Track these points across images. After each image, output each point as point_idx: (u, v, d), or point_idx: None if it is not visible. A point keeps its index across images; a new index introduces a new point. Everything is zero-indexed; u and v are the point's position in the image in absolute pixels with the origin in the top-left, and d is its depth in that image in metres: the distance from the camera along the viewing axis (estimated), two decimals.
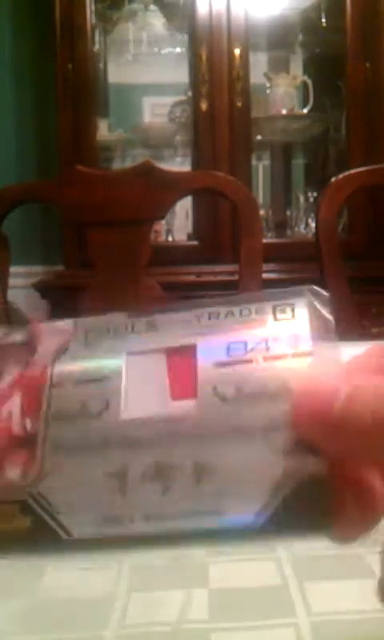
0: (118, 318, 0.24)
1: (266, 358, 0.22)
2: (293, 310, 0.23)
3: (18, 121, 2.20)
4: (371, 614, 0.39)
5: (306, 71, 2.29)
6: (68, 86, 1.94)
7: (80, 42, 1.94)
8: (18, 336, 0.25)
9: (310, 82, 2.14)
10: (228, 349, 0.22)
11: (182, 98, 2.21)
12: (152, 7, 2.23)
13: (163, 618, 0.39)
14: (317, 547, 0.48)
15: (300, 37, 2.31)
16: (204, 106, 1.95)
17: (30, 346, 0.24)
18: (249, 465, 0.20)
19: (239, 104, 1.95)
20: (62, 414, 0.22)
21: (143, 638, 0.38)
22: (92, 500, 0.21)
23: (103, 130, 2.12)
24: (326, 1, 2.15)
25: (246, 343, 0.22)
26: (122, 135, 2.20)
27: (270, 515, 0.20)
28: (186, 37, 2.17)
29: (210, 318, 0.24)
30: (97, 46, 2.11)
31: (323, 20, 2.16)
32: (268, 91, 2.12)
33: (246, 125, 1.98)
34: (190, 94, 2.10)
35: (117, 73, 2.30)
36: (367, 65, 1.94)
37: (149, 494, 0.21)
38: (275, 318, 0.23)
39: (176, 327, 0.24)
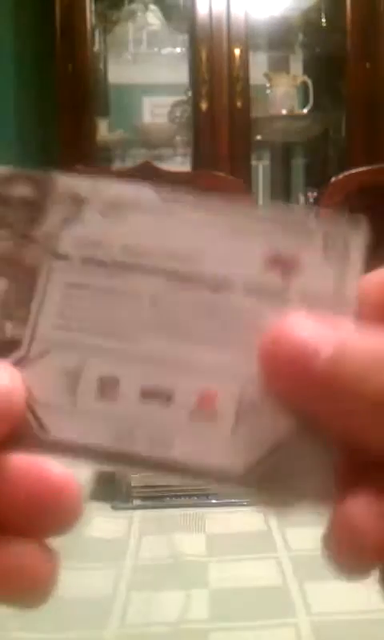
0: (144, 194, 0.20)
1: (302, 297, 0.19)
2: (346, 246, 0.19)
3: (18, 121, 2.20)
4: (371, 614, 0.39)
5: (306, 71, 2.28)
6: (68, 85, 1.94)
7: (80, 42, 1.94)
8: (23, 188, 0.20)
9: (309, 82, 2.14)
10: (263, 269, 0.19)
11: (182, 98, 2.21)
12: (152, 7, 2.23)
13: (163, 618, 0.39)
14: (317, 547, 0.48)
15: (300, 37, 2.30)
16: (204, 106, 1.95)
17: (37, 207, 0.20)
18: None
19: (239, 104, 1.95)
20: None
21: (143, 637, 0.37)
22: (79, 402, 0.19)
23: (103, 130, 2.12)
24: (326, 1, 2.15)
25: (287, 276, 0.19)
26: (122, 135, 2.20)
27: (260, 473, 0.18)
28: (185, 37, 2.17)
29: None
30: (97, 46, 2.11)
31: (323, 20, 2.16)
32: (268, 91, 2.12)
33: (245, 125, 1.98)
34: (190, 94, 2.09)
35: (117, 73, 2.29)
36: (367, 65, 1.94)
37: (144, 409, 0.19)
38: (325, 253, 0.19)
39: None
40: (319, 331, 0.17)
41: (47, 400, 0.19)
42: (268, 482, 0.18)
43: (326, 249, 0.19)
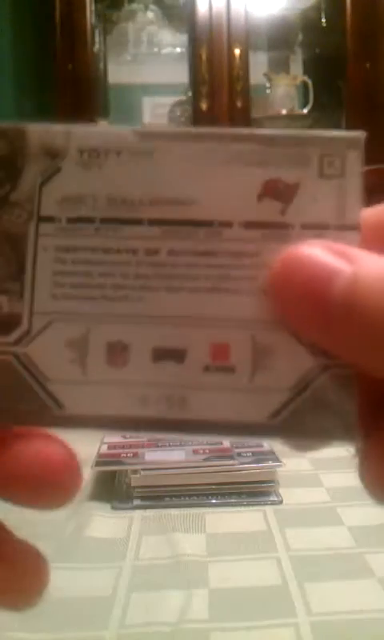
0: (122, 134, 0.18)
1: (304, 226, 0.18)
2: (344, 164, 0.18)
3: (18, 121, 2.20)
4: (371, 613, 0.39)
5: (306, 71, 2.29)
6: (68, 86, 1.94)
7: (80, 42, 1.94)
8: None
9: (310, 82, 2.14)
10: (260, 202, 0.18)
11: (182, 98, 2.21)
12: (152, 7, 2.23)
13: (163, 618, 0.39)
14: (317, 547, 0.48)
15: (300, 37, 2.31)
16: (204, 106, 1.95)
17: (11, 165, 0.18)
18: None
19: (239, 104, 1.95)
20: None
21: (143, 637, 0.37)
22: (90, 372, 0.18)
23: None
24: (325, 1, 2.15)
25: (286, 205, 0.18)
26: None
27: (284, 418, 0.18)
28: (185, 37, 2.17)
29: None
30: (97, 46, 2.11)
31: (323, 20, 2.16)
32: (268, 91, 2.12)
33: (245, 125, 1.98)
34: (189, 94, 2.10)
35: (117, 73, 2.30)
36: (367, 65, 1.94)
37: (157, 370, 0.18)
38: (321, 174, 0.18)
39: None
40: (336, 256, 0.16)
41: (57, 375, 0.18)
42: (291, 426, 0.18)
43: (323, 171, 0.18)
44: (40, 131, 0.18)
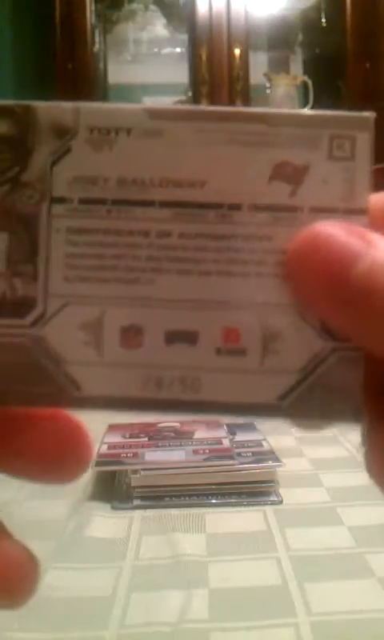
0: (133, 112, 0.18)
1: (313, 209, 0.18)
2: (353, 146, 0.18)
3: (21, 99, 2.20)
4: (371, 613, 0.39)
5: (306, 71, 2.29)
6: (68, 86, 1.94)
7: (80, 42, 1.94)
8: (2, 126, 0.18)
9: (310, 82, 2.14)
10: (270, 185, 0.18)
11: (182, 98, 2.21)
12: (152, 7, 2.23)
13: (163, 618, 0.39)
14: (317, 547, 0.48)
15: (300, 37, 2.31)
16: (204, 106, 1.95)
17: (20, 144, 0.18)
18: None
19: (239, 104, 1.95)
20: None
21: (143, 637, 0.37)
22: (106, 354, 0.18)
23: None
24: (325, 1, 2.15)
25: (295, 188, 0.18)
26: None
27: (295, 398, 0.18)
28: (185, 37, 2.17)
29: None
30: (97, 46, 2.11)
31: (323, 20, 2.16)
32: (268, 91, 2.12)
33: None
34: (189, 94, 2.10)
35: (117, 73, 2.30)
36: (367, 65, 1.94)
37: (170, 353, 0.18)
38: (330, 156, 0.18)
39: None
40: (357, 238, 0.17)
41: (74, 357, 0.18)
42: (299, 407, 0.18)
43: (332, 153, 0.18)
44: (49, 109, 0.18)
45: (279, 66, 2.28)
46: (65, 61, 1.93)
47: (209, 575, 0.44)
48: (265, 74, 2.14)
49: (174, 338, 0.18)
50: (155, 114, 0.18)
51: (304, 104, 2.15)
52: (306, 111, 0.18)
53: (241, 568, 0.45)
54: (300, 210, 0.18)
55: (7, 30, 2.18)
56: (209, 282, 0.18)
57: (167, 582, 0.43)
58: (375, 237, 0.17)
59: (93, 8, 1.98)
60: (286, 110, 0.18)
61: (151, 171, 0.18)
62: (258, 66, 2.15)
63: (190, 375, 0.18)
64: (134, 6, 2.23)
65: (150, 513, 0.54)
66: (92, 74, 2.01)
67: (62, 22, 1.93)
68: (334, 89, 2.15)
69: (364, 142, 0.18)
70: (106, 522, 0.52)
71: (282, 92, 2.10)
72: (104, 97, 2.26)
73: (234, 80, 1.94)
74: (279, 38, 2.28)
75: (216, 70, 1.94)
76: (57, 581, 0.43)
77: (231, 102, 1.95)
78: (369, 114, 0.18)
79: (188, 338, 0.18)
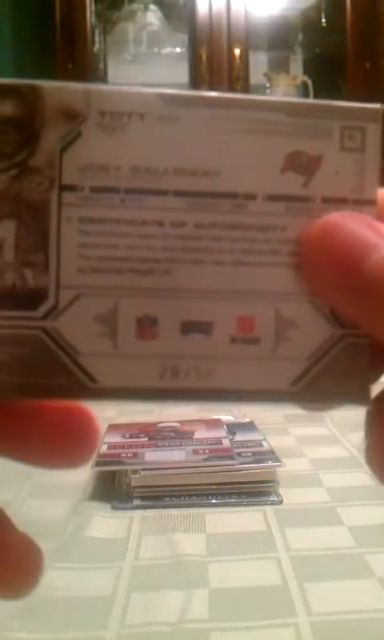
0: (147, 97, 0.17)
1: (325, 199, 0.18)
2: (364, 138, 0.18)
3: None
4: (371, 613, 0.39)
5: (306, 71, 2.29)
6: None
7: (80, 42, 1.94)
8: (6, 105, 0.17)
9: (309, 82, 2.14)
10: (283, 175, 0.18)
11: None
12: (152, 7, 2.23)
13: (163, 618, 0.39)
14: (317, 547, 0.48)
15: (300, 37, 2.31)
16: None
17: (27, 127, 0.17)
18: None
19: None
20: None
21: (143, 637, 0.37)
22: (121, 345, 0.18)
23: None
24: (326, 1, 2.15)
25: (309, 178, 0.18)
26: None
27: (305, 384, 0.19)
28: (186, 37, 2.17)
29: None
30: (97, 46, 2.11)
31: (323, 20, 2.16)
32: (268, 91, 2.12)
33: None
34: None
35: (117, 73, 2.30)
36: (367, 65, 1.94)
37: (186, 343, 0.18)
38: (342, 147, 0.18)
39: None
40: (373, 230, 0.17)
41: (88, 349, 0.18)
42: (311, 391, 0.19)
43: (344, 144, 0.18)
44: (57, 90, 0.17)
45: (279, 66, 2.28)
46: (65, 61, 1.93)
47: (209, 575, 0.44)
48: (265, 74, 2.14)
49: (189, 328, 0.18)
50: (169, 100, 0.17)
51: None
52: (319, 101, 0.18)
53: (241, 568, 0.45)
54: (312, 200, 0.18)
55: (7, 30, 2.18)
56: (224, 271, 0.18)
57: (167, 582, 0.43)
58: None
59: (93, 8, 1.98)
60: (300, 100, 0.18)
61: (164, 159, 0.18)
62: (258, 65, 2.16)
63: (206, 364, 0.18)
64: (134, 6, 2.23)
65: (150, 513, 0.54)
66: (92, 74, 2.01)
67: (62, 21, 1.93)
68: (334, 89, 2.15)
69: (374, 133, 0.18)
70: (106, 522, 0.52)
71: (281, 92, 2.10)
72: None
73: (234, 80, 1.94)
74: (279, 38, 2.28)
75: (216, 70, 1.94)
76: (57, 581, 0.43)
77: None
78: (379, 106, 0.18)
79: (203, 328, 0.18)
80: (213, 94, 0.18)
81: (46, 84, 0.18)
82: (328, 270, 0.17)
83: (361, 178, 0.18)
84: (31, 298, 0.17)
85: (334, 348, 0.19)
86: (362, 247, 0.17)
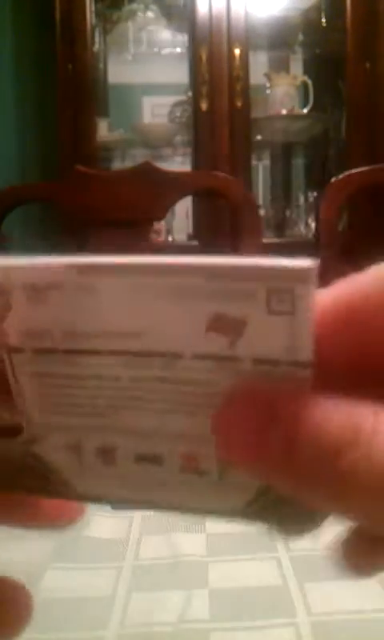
0: (57, 269, 0.18)
1: (255, 360, 0.18)
2: (293, 300, 0.17)
3: (18, 121, 2.20)
4: (371, 613, 0.39)
5: (306, 71, 2.29)
6: (68, 85, 1.94)
7: (80, 42, 1.94)
8: None
9: (309, 82, 2.14)
10: (208, 336, 0.18)
11: (182, 98, 2.21)
12: (152, 7, 2.24)
13: (163, 618, 0.39)
14: (317, 547, 0.48)
15: (300, 37, 2.31)
16: (204, 106, 1.95)
17: None
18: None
19: (239, 104, 1.95)
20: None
21: (143, 637, 0.37)
22: (87, 468, 0.21)
23: (103, 130, 2.12)
24: (326, 1, 2.15)
25: (234, 339, 0.18)
26: (122, 135, 2.20)
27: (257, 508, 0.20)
28: (185, 37, 2.18)
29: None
30: (97, 46, 2.11)
31: (323, 20, 2.16)
32: (268, 91, 2.12)
33: (245, 125, 1.98)
34: (190, 94, 2.10)
35: (117, 73, 2.30)
36: (367, 65, 1.94)
37: (141, 469, 0.20)
38: (269, 310, 0.17)
39: None
40: (347, 426, 0.16)
41: (62, 467, 0.21)
42: (267, 514, 0.20)
43: (271, 307, 0.17)
44: None
45: (279, 66, 2.28)
46: (65, 61, 1.93)
47: (209, 575, 0.44)
48: (265, 74, 2.14)
49: (142, 458, 0.20)
50: (83, 270, 0.17)
51: (304, 104, 2.16)
52: (244, 262, 0.17)
53: (241, 568, 0.45)
54: (241, 360, 0.18)
55: (7, 30, 2.18)
56: (162, 417, 0.19)
57: (167, 582, 0.43)
58: (365, 426, 0.16)
59: (93, 8, 1.98)
60: (221, 261, 0.17)
61: (91, 324, 0.18)
62: (258, 65, 2.16)
63: (161, 486, 0.20)
64: (134, 6, 2.23)
65: (150, 513, 0.54)
66: (92, 74, 2.01)
67: (62, 21, 1.93)
68: (334, 89, 2.15)
69: (304, 295, 0.17)
70: (106, 522, 0.52)
71: (281, 92, 2.10)
72: (104, 97, 2.26)
73: (233, 80, 1.94)
74: (279, 38, 2.28)
75: (216, 70, 1.94)
76: (57, 581, 0.43)
77: (231, 102, 1.95)
78: (310, 265, 0.16)
79: (155, 459, 0.20)
80: (127, 261, 0.17)
81: None
82: (235, 444, 0.17)
83: (292, 341, 0.17)
84: (12, 430, 0.20)
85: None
86: (337, 447, 0.16)
